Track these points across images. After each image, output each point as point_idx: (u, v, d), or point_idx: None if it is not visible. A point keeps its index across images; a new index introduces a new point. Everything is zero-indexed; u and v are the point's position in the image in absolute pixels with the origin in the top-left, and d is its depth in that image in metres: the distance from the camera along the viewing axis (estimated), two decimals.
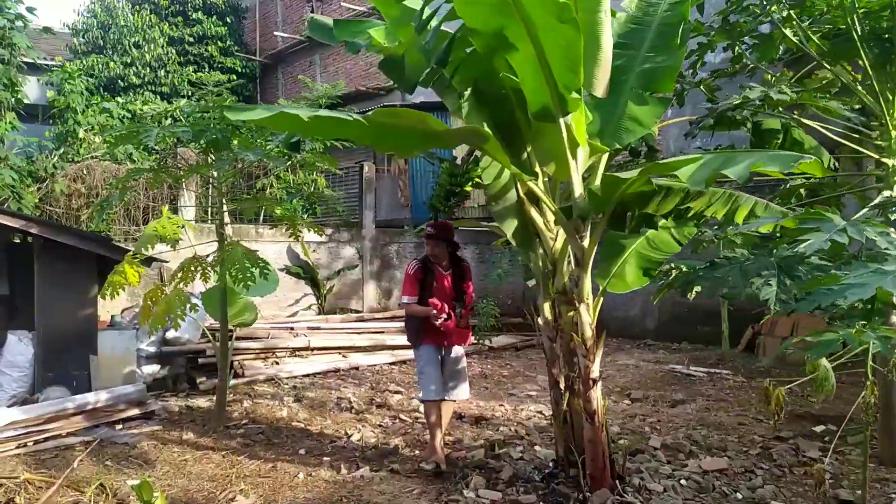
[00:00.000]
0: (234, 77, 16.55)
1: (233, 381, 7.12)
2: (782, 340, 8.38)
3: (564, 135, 3.37)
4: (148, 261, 5.78)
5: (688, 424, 5.45)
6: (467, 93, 3.64)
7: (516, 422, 5.66)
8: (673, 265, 3.83)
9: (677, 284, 3.50)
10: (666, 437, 5.07)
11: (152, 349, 7.14)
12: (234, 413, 5.97)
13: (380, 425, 5.62)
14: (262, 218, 10.69)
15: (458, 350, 4.66)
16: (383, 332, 9.43)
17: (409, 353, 8.94)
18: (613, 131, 3.62)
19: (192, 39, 16.50)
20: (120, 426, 5.46)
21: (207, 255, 5.54)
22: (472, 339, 5.15)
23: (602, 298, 3.85)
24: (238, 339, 7.64)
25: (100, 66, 15.04)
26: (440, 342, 4.56)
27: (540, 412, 5.95)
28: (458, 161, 4.78)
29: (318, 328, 9.05)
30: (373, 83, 14.65)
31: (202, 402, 6.49)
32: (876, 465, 4.39)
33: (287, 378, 7.55)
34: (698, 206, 3.13)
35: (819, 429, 5.24)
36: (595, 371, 3.69)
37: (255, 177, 10.33)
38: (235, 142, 5.33)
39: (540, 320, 4.29)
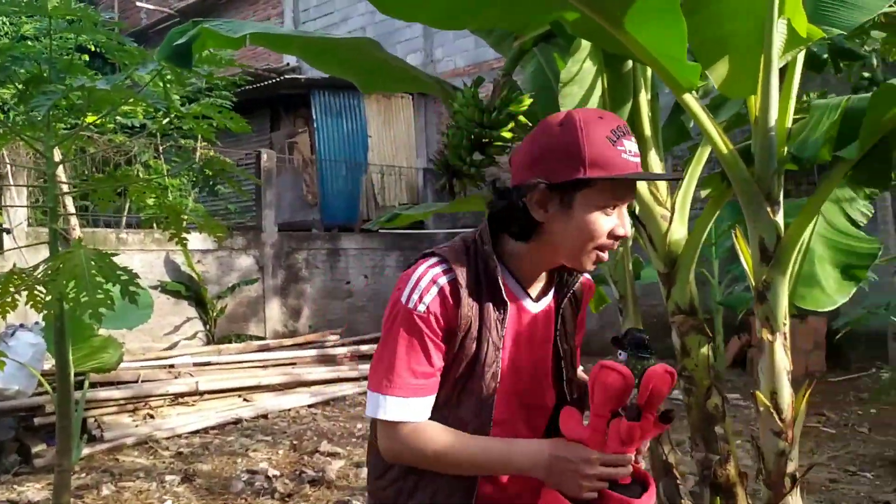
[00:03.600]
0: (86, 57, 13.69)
1: (86, 451, 4.85)
2: None
3: None
4: None
5: None
6: None
7: None
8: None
9: None
10: None
11: None
12: None
13: None
14: (125, 219, 8.24)
15: None
16: (295, 364, 7.35)
17: (335, 389, 6.94)
18: (822, 4, 1.93)
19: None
20: None
21: (36, 268, 3.37)
22: None
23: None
24: (94, 386, 5.36)
25: None
26: None
27: None
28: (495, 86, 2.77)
29: (209, 363, 6.82)
30: (262, 64, 12.41)
31: (35, 489, 4.23)
32: None
33: (167, 439, 5.34)
34: None
35: None
36: (795, 459, 1.96)
37: (112, 164, 7.83)
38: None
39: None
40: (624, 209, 1.22)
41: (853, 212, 2.32)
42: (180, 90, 4.68)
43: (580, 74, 2.10)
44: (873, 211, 2.32)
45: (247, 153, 9.59)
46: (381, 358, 1.25)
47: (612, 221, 1.20)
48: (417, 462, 1.26)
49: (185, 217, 3.94)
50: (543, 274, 1.33)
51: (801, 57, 1.95)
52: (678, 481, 2.45)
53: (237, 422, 5.86)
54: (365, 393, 5.19)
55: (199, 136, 5.37)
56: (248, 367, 7.02)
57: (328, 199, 9.73)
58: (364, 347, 8.29)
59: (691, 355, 2.26)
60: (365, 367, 7.58)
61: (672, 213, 2.29)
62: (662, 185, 2.32)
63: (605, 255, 1.24)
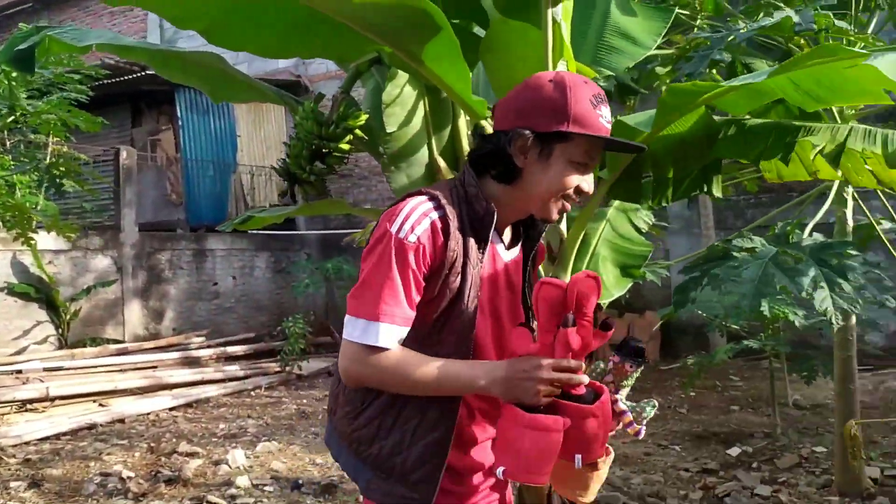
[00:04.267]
0: None
1: None
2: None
3: (549, 41, 2.00)
4: None
5: None
6: None
7: None
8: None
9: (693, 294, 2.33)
10: None
11: None
12: None
13: None
14: None
15: None
16: (157, 367, 7.22)
17: (198, 391, 6.88)
18: (596, 49, 2.33)
19: None
20: None
21: None
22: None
23: None
24: None
25: None
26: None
27: None
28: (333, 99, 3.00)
29: (61, 368, 6.58)
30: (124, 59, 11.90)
31: None
32: (829, 494, 3.65)
33: (14, 447, 5.13)
34: (822, 142, 1.89)
35: (734, 452, 4.48)
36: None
37: None
38: None
39: None
40: (591, 171, 1.34)
41: (637, 220, 2.77)
42: (26, 87, 4.55)
43: (401, 97, 2.38)
44: (653, 219, 2.79)
45: (105, 150, 9.21)
46: (368, 284, 1.26)
47: (580, 177, 1.31)
48: (380, 384, 1.30)
49: (33, 216, 3.89)
50: (510, 225, 1.43)
51: None
52: None
53: (91, 427, 5.70)
54: (232, 394, 5.36)
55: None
56: (105, 372, 6.82)
57: (194, 199, 9.54)
58: (232, 349, 8.25)
59: None
60: (232, 369, 7.56)
61: None
62: None
63: (569, 207, 1.35)
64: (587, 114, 1.27)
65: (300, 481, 4.18)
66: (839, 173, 1.97)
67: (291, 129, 11.19)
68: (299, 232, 10.31)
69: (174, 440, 5.33)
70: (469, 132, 2.65)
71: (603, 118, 1.29)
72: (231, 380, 7.35)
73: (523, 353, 1.25)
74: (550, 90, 1.28)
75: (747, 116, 2.00)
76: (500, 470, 1.23)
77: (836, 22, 2.23)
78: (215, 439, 5.38)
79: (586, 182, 1.33)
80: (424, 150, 2.64)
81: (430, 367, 1.26)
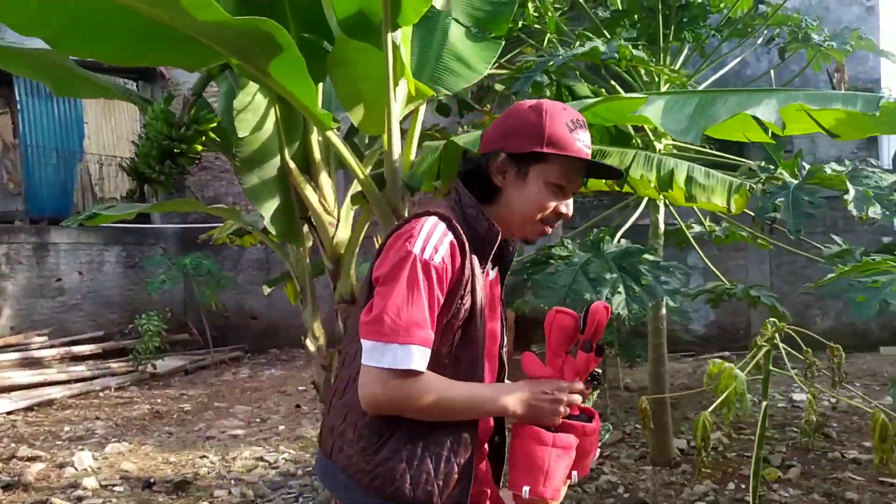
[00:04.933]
0: None
1: None
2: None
3: (390, 63, 2.21)
4: None
5: None
6: None
7: (235, 480, 4.18)
8: None
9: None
10: None
11: None
12: None
13: None
14: None
15: None
16: None
17: (40, 394, 6.49)
18: (434, 71, 2.57)
19: None
20: None
21: None
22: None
23: None
24: None
25: None
26: None
27: (261, 459, 4.55)
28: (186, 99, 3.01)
29: None
30: None
31: None
32: (644, 464, 4.17)
33: None
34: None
35: None
36: None
37: None
38: None
39: (309, 343, 3.01)
40: (569, 194, 1.36)
41: None
42: None
43: (253, 104, 2.51)
44: None
45: None
46: (395, 307, 1.20)
47: (557, 198, 1.34)
48: (407, 410, 1.25)
49: None
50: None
51: (423, 108, 2.59)
52: None
53: None
54: (78, 395, 5.16)
55: None
56: None
57: (35, 189, 8.90)
58: (78, 348, 7.82)
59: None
60: (78, 369, 7.19)
61: (338, 221, 2.81)
62: (330, 198, 2.83)
63: (549, 230, 1.38)
64: (563, 136, 1.30)
65: (152, 480, 4.14)
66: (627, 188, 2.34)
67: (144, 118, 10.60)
68: (154, 226, 9.89)
69: (13, 445, 5.05)
70: (319, 139, 2.82)
71: (580, 142, 1.32)
72: (77, 381, 7.00)
73: (538, 376, 1.33)
74: (529, 114, 1.33)
75: None
76: (525, 489, 1.27)
77: (643, 54, 2.62)
78: (60, 442, 5.15)
79: (564, 205, 1.35)
80: (276, 155, 2.77)
81: (458, 391, 1.27)
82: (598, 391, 1.44)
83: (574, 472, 1.34)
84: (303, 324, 3.24)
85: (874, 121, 1.48)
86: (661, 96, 1.79)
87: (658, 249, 4.01)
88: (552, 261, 2.87)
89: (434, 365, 1.26)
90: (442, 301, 1.26)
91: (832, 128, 1.59)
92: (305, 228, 2.93)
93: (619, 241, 3.19)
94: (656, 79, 3.87)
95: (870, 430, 1.88)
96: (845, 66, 5.91)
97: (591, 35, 3.03)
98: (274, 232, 2.80)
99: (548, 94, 3.13)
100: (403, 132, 2.53)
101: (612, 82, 3.76)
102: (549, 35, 4.41)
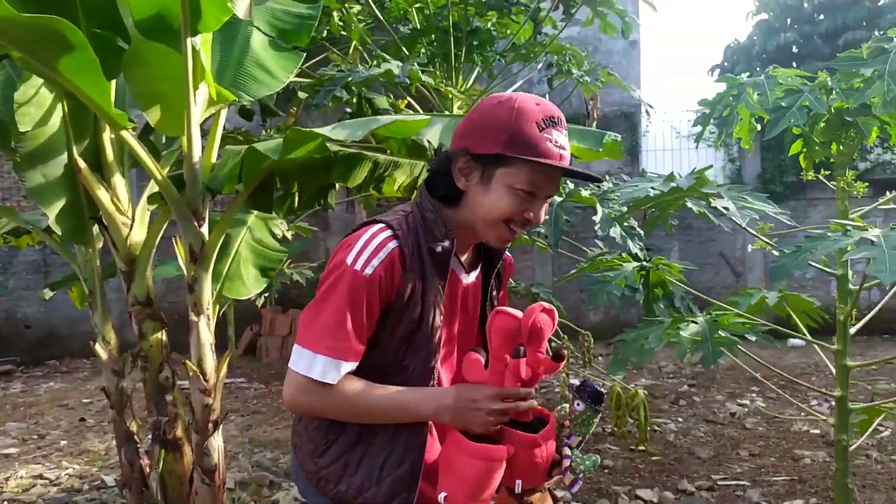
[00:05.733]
0: None
1: None
2: (283, 339, 8.29)
3: (189, 66, 2.25)
4: None
5: (245, 450, 4.64)
6: None
7: (8, 502, 3.83)
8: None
9: None
10: (231, 470, 4.17)
11: None
12: None
13: None
14: None
15: None
16: None
17: None
18: (236, 77, 2.63)
19: None
20: None
21: None
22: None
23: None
24: None
25: None
26: None
27: (41, 477, 4.19)
28: None
29: None
30: None
31: None
32: None
33: None
34: (402, 177, 2.44)
35: None
36: (218, 409, 2.62)
37: None
38: None
39: (99, 348, 2.91)
40: (541, 199, 1.24)
41: (274, 228, 3.15)
42: None
43: (37, 98, 2.40)
44: (286, 227, 3.20)
45: None
46: (318, 315, 1.21)
47: (524, 204, 1.22)
48: (325, 413, 1.27)
49: None
50: (471, 247, 1.37)
51: (224, 112, 2.64)
52: (138, 445, 2.93)
53: None
54: None
55: None
56: None
57: None
58: None
59: (147, 338, 2.75)
60: None
61: (133, 221, 2.75)
62: (124, 198, 2.76)
63: (512, 237, 1.27)
64: (530, 136, 1.18)
65: None
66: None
67: None
68: None
69: None
70: (112, 137, 2.74)
71: (552, 142, 1.19)
72: None
73: (474, 380, 1.24)
74: (496, 111, 1.21)
75: (356, 150, 2.52)
76: (442, 495, 1.22)
77: (430, 79, 2.90)
78: None
79: (530, 211, 1.24)
80: (63, 151, 2.66)
81: (376, 397, 1.24)
82: (599, 413, 1.29)
83: (518, 482, 1.24)
84: (89, 330, 3.10)
85: (602, 153, 1.85)
86: (442, 118, 2.04)
87: None
88: None
89: (378, 374, 1.26)
90: (377, 312, 1.23)
91: (578, 154, 1.95)
92: (96, 229, 2.83)
93: None
94: (451, 94, 4.22)
95: (608, 400, 2.28)
96: (598, 96, 7.06)
97: (387, 56, 3.27)
98: (59, 232, 2.68)
99: (347, 106, 3.32)
100: (206, 134, 2.57)
101: (409, 98, 4.05)
102: (354, 44, 4.61)
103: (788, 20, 16.55)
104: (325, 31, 4.48)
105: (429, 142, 1.88)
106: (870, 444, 4.22)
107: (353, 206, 8.57)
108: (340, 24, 4.45)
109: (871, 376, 6.12)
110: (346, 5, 4.33)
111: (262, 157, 2.27)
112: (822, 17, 17.23)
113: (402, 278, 1.23)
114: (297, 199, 2.47)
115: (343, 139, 2.01)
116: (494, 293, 1.46)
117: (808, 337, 2.61)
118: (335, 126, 2.11)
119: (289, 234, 4.76)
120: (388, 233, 1.24)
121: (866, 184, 2.47)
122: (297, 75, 3.90)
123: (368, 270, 1.20)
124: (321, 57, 5.12)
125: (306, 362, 1.21)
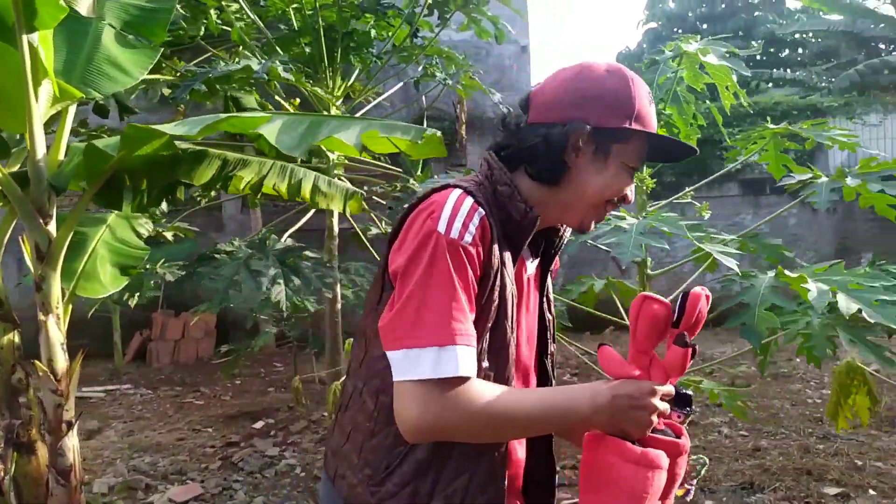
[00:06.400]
0: None
1: None
2: (175, 344, 8.11)
3: (28, 63, 2.24)
4: None
5: (123, 456, 4.54)
6: None
7: None
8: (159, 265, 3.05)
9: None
10: (107, 475, 4.08)
11: None
12: None
13: None
14: None
15: None
16: None
17: None
18: (85, 73, 2.61)
19: None
20: None
21: None
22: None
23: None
24: None
25: None
26: None
27: None
28: None
29: None
30: None
31: None
32: (323, 446, 4.56)
33: None
34: (250, 176, 2.48)
35: (259, 425, 5.16)
36: (71, 410, 2.60)
37: None
38: None
39: None
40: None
41: (138, 227, 3.13)
42: None
43: None
44: (152, 226, 3.19)
45: None
46: (423, 302, 0.95)
47: (629, 183, 1.12)
48: (461, 426, 0.96)
49: None
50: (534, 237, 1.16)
51: (73, 109, 2.62)
52: None
53: None
54: None
55: None
56: None
57: None
58: None
59: None
60: None
61: None
62: None
63: (602, 219, 1.17)
64: (648, 111, 1.09)
65: None
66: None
67: None
68: None
69: None
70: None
71: (654, 119, 1.12)
72: None
73: (620, 376, 1.05)
74: (612, 81, 1.09)
75: (204, 148, 2.56)
76: None
77: (290, 76, 2.97)
78: None
79: (631, 189, 1.14)
80: None
81: (520, 400, 1.01)
82: (688, 419, 1.14)
83: (659, 502, 1.05)
84: None
85: (423, 146, 1.99)
86: (281, 116, 2.12)
87: (333, 249, 4.45)
88: (217, 255, 3.09)
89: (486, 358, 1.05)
90: (475, 289, 1.00)
91: (406, 149, 2.08)
92: None
93: (285, 241, 3.53)
94: (328, 91, 4.30)
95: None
96: (464, 100, 7.58)
97: (248, 53, 3.32)
98: None
99: (208, 103, 3.33)
100: (54, 131, 2.55)
101: (279, 97, 4.09)
102: (234, 41, 4.60)
103: (675, 29, 17.59)
104: (203, 29, 4.45)
105: (263, 137, 1.95)
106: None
107: (248, 209, 8.47)
108: (219, 21, 4.43)
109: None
110: (224, 3, 4.31)
111: (103, 154, 2.28)
112: (705, 26, 18.47)
113: (492, 249, 1.02)
114: (145, 196, 2.49)
115: (182, 135, 2.05)
116: (549, 288, 1.27)
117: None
118: (178, 123, 2.15)
119: (169, 235, 4.70)
120: (473, 199, 1.03)
121: (654, 179, 2.66)
122: (175, 74, 3.89)
123: (468, 238, 0.98)
124: (206, 56, 5.07)
125: (433, 361, 0.94)
